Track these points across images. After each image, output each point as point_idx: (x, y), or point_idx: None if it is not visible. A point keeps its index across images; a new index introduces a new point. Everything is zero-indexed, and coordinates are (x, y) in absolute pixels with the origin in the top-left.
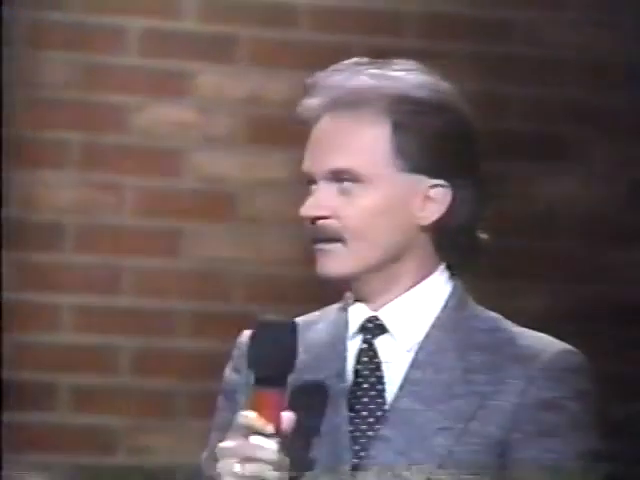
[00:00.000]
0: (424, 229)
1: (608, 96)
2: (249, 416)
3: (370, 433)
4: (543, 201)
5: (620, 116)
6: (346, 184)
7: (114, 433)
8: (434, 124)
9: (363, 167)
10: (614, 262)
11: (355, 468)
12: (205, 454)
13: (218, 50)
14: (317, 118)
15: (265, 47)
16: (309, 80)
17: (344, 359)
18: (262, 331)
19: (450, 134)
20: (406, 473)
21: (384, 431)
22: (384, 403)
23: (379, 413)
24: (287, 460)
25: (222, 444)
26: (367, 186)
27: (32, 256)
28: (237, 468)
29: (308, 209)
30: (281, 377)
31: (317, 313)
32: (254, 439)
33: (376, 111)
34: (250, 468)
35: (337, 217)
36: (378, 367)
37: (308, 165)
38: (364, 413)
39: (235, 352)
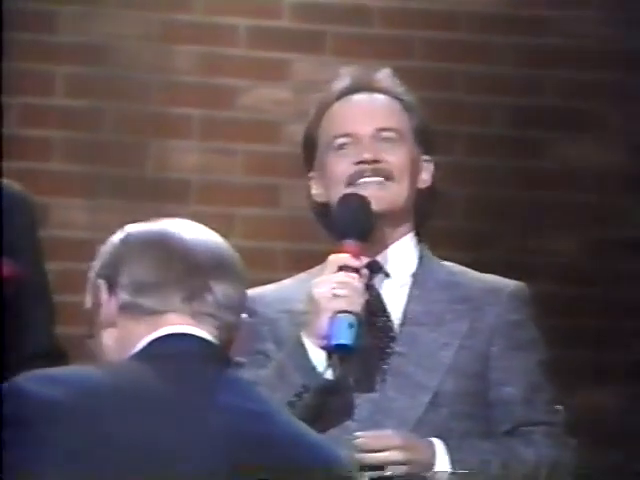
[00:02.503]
0: (417, 192)
1: (623, 77)
2: (341, 256)
3: (388, 350)
4: (569, 161)
5: (631, 93)
6: (387, 138)
7: None
8: (420, 114)
9: (400, 127)
10: (625, 208)
11: (383, 380)
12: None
13: (309, 43)
14: (347, 94)
15: (346, 41)
16: (343, 70)
17: None
18: (347, 200)
19: (426, 124)
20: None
21: (398, 348)
22: (392, 329)
23: (391, 334)
24: (363, 289)
25: (317, 279)
26: (401, 141)
27: (166, 207)
28: (334, 291)
29: (365, 154)
30: (361, 233)
31: (321, 266)
32: (344, 274)
33: (391, 96)
34: (342, 292)
35: (384, 161)
36: (381, 300)
37: (351, 126)
38: (380, 334)
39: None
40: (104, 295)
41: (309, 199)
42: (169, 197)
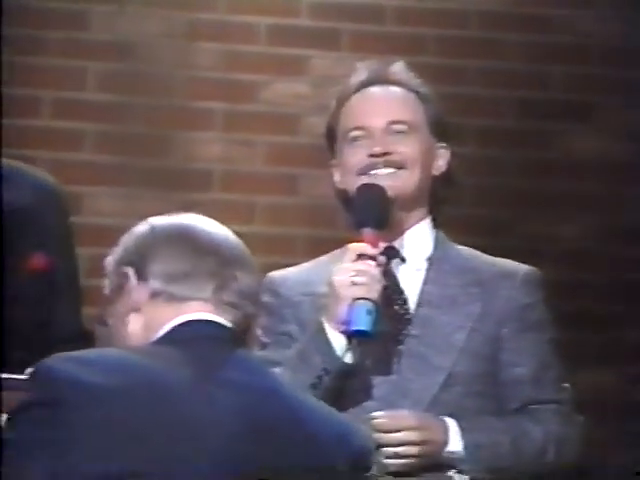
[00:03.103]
0: (433, 179)
1: (624, 73)
2: (360, 245)
3: (403, 332)
4: (574, 151)
5: (632, 88)
6: (399, 131)
7: None
8: (435, 105)
9: (413, 119)
10: (626, 196)
11: (399, 361)
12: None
13: (326, 40)
14: (361, 88)
15: (361, 37)
16: (360, 64)
17: None
18: (364, 190)
19: (440, 114)
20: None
21: (413, 331)
22: (408, 312)
23: (407, 317)
24: (381, 277)
25: (338, 267)
26: (413, 132)
27: (192, 195)
28: (353, 279)
29: (376, 148)
30: (379, 222)
31: (339, 250)
32: (362, 262)
33: (406, 88)
34: (361, 280)
35: (395, 152)
36: (397, 284)
37: (365, 119)
38: (396, 317)
39: (265, 288)
40: (132, 282)
41: (332, 186)
42: (193, 186)
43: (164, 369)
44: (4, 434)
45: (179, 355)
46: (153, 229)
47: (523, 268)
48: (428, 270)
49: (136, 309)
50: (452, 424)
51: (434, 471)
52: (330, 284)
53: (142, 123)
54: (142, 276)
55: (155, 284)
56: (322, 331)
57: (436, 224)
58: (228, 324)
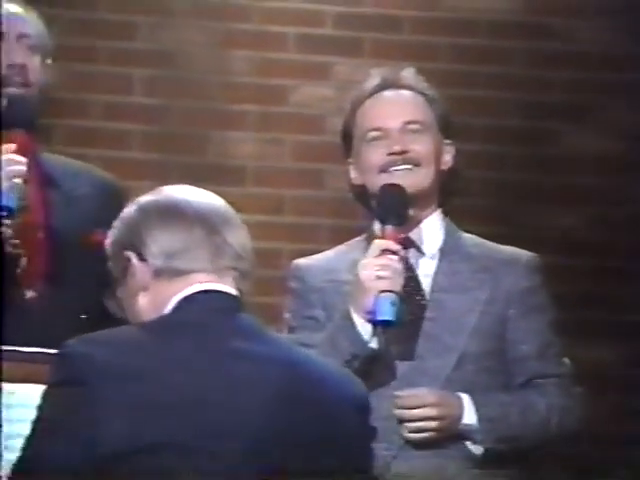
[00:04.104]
0: (441, 174)
1: (620, 77)
2: (384, 242)
3: (420, 316)
4: (572, 148)
5: (627, 90)
6: (414, 130)
7: None
8: (441, 105)
9: (424, 118)
10: (621, 189)
11: (417, 342)
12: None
13: (348, 48)
14: (376, 92)
15: (380, 45)
16: (373, 70)
17: None
18: (387, 190)
19: (446, 113)
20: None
21: (429, 314)
22: (424, 297)
23: (423, 302)
24: (403, 270)
25: (364, 261)
26: (425, 131)
27: (227, 189)
28: (378, 273)
29: (395, 147)
30: (400, 219)
31: (357, 239)
32: (386, 257)
33: (416, 92)
34: (385, 274)
35: (412, 151)
36: (413, 271)
37: (382, 120)
38: (413, 302)
39: (292, 274)
40: (136, 264)
41: (348, 182)
42: (228, 180)
43: (176, 343)
44: (37, 412)
45: (189, 328)
46: (140, 209)
47: (525, 255)
48: (440, 259)
49: (143, 288)
50: (466, 399)
51: (451, 442)
52: (357, 277)
53: (182, 124)
54: (143, 258)
55: (156, 263)
56: (350, 319)
57: (445, 214)
58: (232, 291)
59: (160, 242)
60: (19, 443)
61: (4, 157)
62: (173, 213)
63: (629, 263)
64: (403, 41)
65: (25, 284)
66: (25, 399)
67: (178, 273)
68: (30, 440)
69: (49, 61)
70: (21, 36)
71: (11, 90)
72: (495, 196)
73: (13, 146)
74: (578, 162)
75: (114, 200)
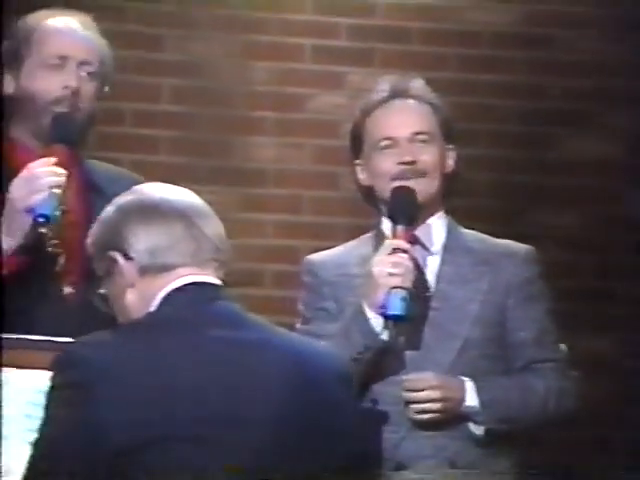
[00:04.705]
0: (444, 177)
1: (616, 84)
2: (395, 241)
3: (426, 306)
4: (571, 152)
5: (623, 97)
6: (422, 140)
7: None
8: (445, 112)
9: (431, 128)
10: (617, 190)
11: (422, 331)
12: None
13: (361, 58)
14: (386, 102)
15: (391, 56)
16: (380, 79)
17: None
18: (399, 193)
19: (449, 120)
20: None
21: (434, 305)
22: (429, 289)
23: (427, 294)
24: (413, 268)
25: (376, 258)
26: (432, 140)
27: (249, 190)
28: (390, 270)
29: (406, 157)
30: (410, 220)
31: (366, 235)
32: (397, 255)
33: (422, 101)
34: (396, 271)
35: (420, 161)
36: (419, 265)
37: (393, 131)
38: (420, 293)
39: (305, 269)
40: (122, 263)
41: (355, 182)
42: (251, 182)
43: (169, 337)
44: (43, 414)
45: (179, 322)
46: (121, 210)
47: (523, 248)
48: (443, 254)
49: (131, 284)
50: (469, 383)
51: (455, 423)
52: (370, 274)
53: (207, 130)
54: (128, 257)
55: (142, 261)
56: (362, 313)
57: (447, 213)
58: (215, 280)
59: (144, 240)
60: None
61: (44, 169)
62: (153, 211)
63: (625, 259)
64: (412, 51)
65: (63, 281)
66: None
67: (163, 269)
68: (37, 442)
69: (107, 88)
70: (83, 63)
71: (59, 108)
72: (499, 197)
73: (53, 159)
74: (577, 165)
75: None
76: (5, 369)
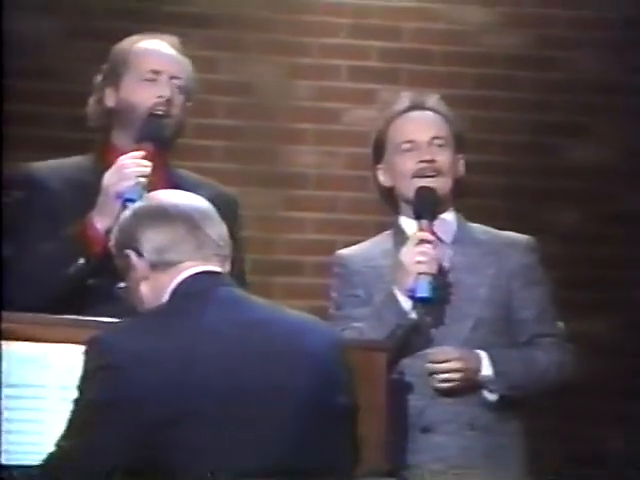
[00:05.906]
0: (455, 180)
1: (613, 100)
2: (421, 233)
3: (444, 291)
4: (573, 159)
5: (620, 111)
6: (439, 144)
7: None
8: (457, 125)
9: (446, 135)
10: (614, 193)
11: (441, 311)
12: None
13: (390, 77)
14: (406, 112)
15: (416, 75)
16: (402, 94)
17: None
18: (422, 192)
19: (461, 132)
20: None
21: (448, 289)
22: (445, 275)
23: (444, 280)
24: (437, 256)
25: (405, 249)
26: (447, 146)
27: (293, 192)
28: (417, 258)
29: (426, 156)
30: (433, 215)
31: (386, 232)
32: (424, 245)
33: (437, 113)
34: (423, 259)
35: (437, 161)
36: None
37: (414, 135)
38: (438, 281)
39: (336, 262)
40: (135, 260)
41: (376, 183)
42: (294, 185)
43: (182, 320)
44: (77, 395)
45: (188, 306)
46: (135, 215)
47: (524, 238)
48: (455, 245)
49: (145, 278)
50: (483, 355)
51: (472, 391)
52: (400, 263)
53: (256, 140)
54: (140, 254)
55: (151, 258)
56: (394, 297)
57: (457, 211)
58: (218, 269)
59: (151, 240)
60: None
61: (132, 161)
62: (161, 215)
63: (619, 251)
64: (434, 71)
65: (120, 276)
66: None
67: (170, 264)
68: (72, 424)
69: (190, 103)
70: (173, 77)
71: (151, 111)
72: (508, 198)
73: (141, 153)
74: (576, 170)
75: (229, 208)
76: (43, 344)
